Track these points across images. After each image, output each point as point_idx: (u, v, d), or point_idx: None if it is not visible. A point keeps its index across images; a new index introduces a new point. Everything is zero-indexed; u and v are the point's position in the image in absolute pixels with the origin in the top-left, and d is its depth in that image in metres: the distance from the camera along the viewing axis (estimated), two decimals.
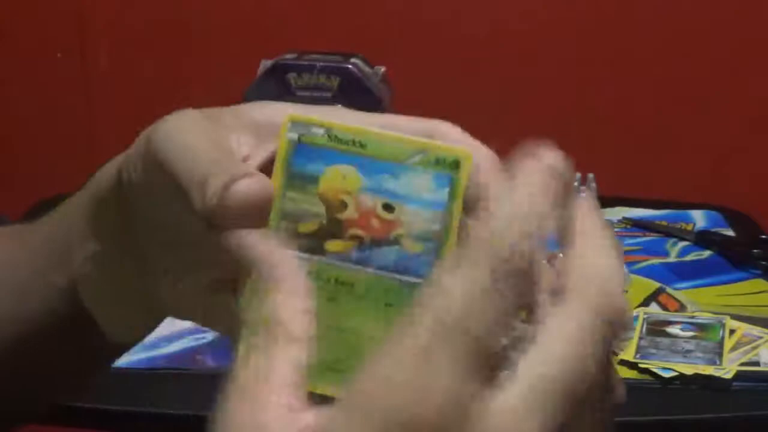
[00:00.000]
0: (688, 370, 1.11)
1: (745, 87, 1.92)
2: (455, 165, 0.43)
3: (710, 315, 1.23)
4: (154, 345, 1.13)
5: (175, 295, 0.51)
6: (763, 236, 1.44)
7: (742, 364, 1.12)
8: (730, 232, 1.50)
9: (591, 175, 1.32)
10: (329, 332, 0.43)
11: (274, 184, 0.44)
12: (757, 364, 1.13)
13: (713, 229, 1.50)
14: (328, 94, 1.43)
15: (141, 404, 1.10)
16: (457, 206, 0.43)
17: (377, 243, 0.44)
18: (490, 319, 0.34)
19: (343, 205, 0.44)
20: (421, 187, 0.43)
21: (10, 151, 1.95)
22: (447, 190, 0.43)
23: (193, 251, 0.49)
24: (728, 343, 1.16)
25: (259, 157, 0.47)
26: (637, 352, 1.14)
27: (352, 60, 1.44)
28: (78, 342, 0.56)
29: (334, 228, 0.44)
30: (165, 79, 1.93)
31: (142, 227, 0.51)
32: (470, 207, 0.43)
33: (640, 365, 1.12)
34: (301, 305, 0.38)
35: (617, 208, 1.56)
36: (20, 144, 1.96)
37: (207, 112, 0.49)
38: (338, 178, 0.44)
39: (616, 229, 1.51)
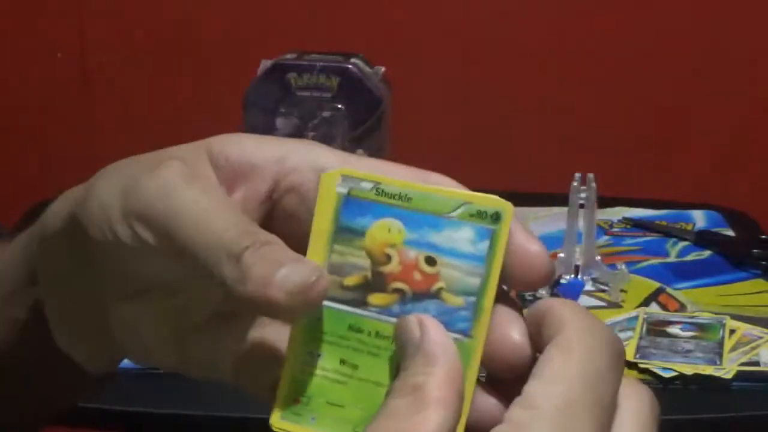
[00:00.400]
0: (688, 370, 1.11)
1: (745, 87, 1.92)
2: (496, 217, 0.43)
3: (710, 315, 1.23)
4: None
5: (137, 339, 0.50)
6: (763, 236, 1.44)
7: (742, 364, 1.12)
8: (730, 232, 1.50)
9: (591, 175, 1.32)
10: (368, 386, 0.44)
11: (317, 236, 0.45)
12: (757, 364, 1.13)
13: (713, 229, 1.50)
14: (328, 94, 1.43)
15: (141, 404, 1.10)
16: (498, 259, 0.43)
17: (418, 297, 0.44)
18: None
19: (387, 258, 0.44)
20: (462, 239, 0.44)
21: (10, 151, 1.95)
22: (488, 242, 0.43)
23: (166, 299, 0.48)
24: (728, 343, 1.16)
25: (249, 205, 0.47)
26: (637, 352, 1.14)
27: (352, 60, 1.44)
28: (51, 370, 0.55)
29: (377, 281, 0.44)
30: (165, 79, 1.93)
31: (101, 274, 0.49)
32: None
33: (640, 365, 1.12)
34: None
35: (617, 208, 1.56)
36: (20, 144, 1.96)
37: (175, 158, 0.47)
38: (384, 231, 0.44)
39: (615, 229, 1.51)
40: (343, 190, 0.45)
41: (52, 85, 1.94)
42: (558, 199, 1.38)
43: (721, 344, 1.15)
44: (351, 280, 0.45)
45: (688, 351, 1.14)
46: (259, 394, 0.48)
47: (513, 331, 0.44)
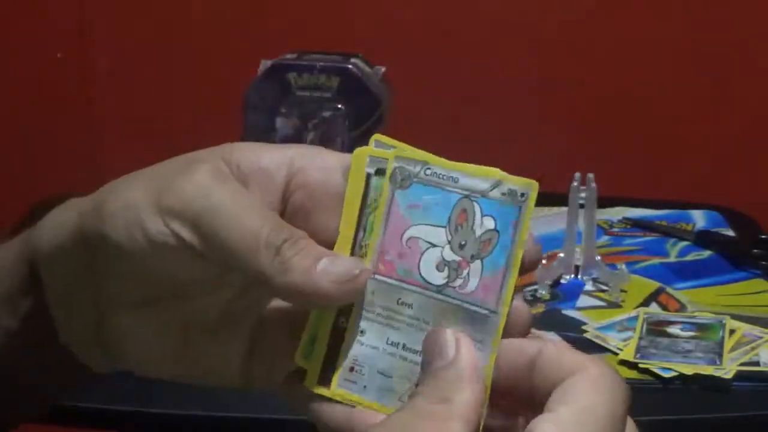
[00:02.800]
0: (688, 370, 1.11)
1: (745, 87, 1.92)
2: (524, 196, 0.47)
3: (710, 315, 1.23)
4: None
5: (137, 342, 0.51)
6: (763, 236, 1.44)
7: (742, 364, 1.12)
8: (730, 232, 1.50)
9: (591, 175, 1.32)
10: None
11: (349, 211, 0.48)
12: (757, 364, 1.13)
13: (713, 229, 1.50)
14: (328, 94, 1.43)
15: (141, 404, 1.10)
16: (523, 236, 0.47)
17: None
18: None
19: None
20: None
21: (11, 151, 1.95)
22: (515, 220, 0.47)
23: (173, 307, 0.50)
24: (728, 343, 1.16)
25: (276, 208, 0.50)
26: (637, 352, 1.14)
27: (352, 60, 1.44)
28: (41, 373, 0.55)
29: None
30: (165, 79, 1.93)
31: (108, 283, 0.50)
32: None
33: (640, 365, 1.12)
34: (480, 407, 0.45)
35: (617, 208, 1.56)
36: (20, 144, 1.96)
37: (204, 161, 0.49)
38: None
39: (615, 229, 1.51)
40: (371, 171, 0.48)
41: (52, 85, 1.94)
42: (558, 199, 1.38)
43: (721, 344, 1.15)
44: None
45: (688, 351, 1.14)
46: (270, 388, 0.50)
47: (517, 301, 0.48)
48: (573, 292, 1.30)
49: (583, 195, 1.32)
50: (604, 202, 1.42)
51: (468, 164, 0.48)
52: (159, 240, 0.48)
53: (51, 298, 0.52)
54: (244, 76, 1.46)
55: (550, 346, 0.47)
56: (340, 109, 1.43)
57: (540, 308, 1.25)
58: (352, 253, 0.48)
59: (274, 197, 0.49)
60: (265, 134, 1.43)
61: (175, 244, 0.48)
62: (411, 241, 0.48)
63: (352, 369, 0.48)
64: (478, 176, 0.48)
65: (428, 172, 0.48)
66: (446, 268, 0.48)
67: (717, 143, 1.94)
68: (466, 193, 0.48)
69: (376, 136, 0.49)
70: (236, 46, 1.86)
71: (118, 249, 0.49)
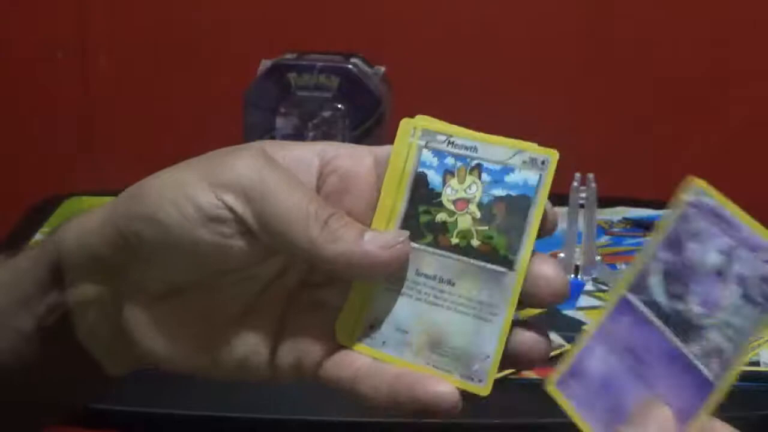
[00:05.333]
0: None
1: (745, 87, 1.92)
2: (544, 163, 0.50)
3: None
4: None
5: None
6: None
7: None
8: None
9: (591, 175, 1.32)
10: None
11: (390, 182, 0.51)
12: (757, 364, 1.13)
13: None
14: (328, 94, 1.43)
15: (141, 404, 1.10)
16: (542, 202, 0.50)
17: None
18: None
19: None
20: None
21: (10, 151, 1.95)
22: (535, 186, 0.50)
23: (201, 297, 0.52)
24: None
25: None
26: None
27: (352, 60, 1.44)
28: (49, 381, 0.56)
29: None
30: (165, 79, 1.93)
31: (139, 276, 0.52)
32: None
33: None
34: None
35: (617, 208, 1.56)
36: (20, 144, 1.96)
37: (250, 148, 0.52)
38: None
39: (615, 229, 1.51)
40: (420, 142, 0.51)
41: (52, 85, 1.94)
42: (558, 199, 1.38)
43: None
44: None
45: None
46: (300, 378, 0.52)
47: (547, 267, 0.50)
48: (573, 292, 1.30)
49: (583, 195, 1.32)
50: (604, 202, 1.42)
51: (491, 135, 0.51)
52: (211, 213, 0.49)
53: (72, 299, 0.53)
54: (244, 76, 1.46)
55: (719, 428, 0.47)
56: (340, 109, 1.43)
57: (540, 308, 1.25)
58: (390, 221, 0.51)
59: (310, 183, 0.52)
60: (265, 134, 1.43)
61: (228, 217, 0.49)
62: None
63: (372, 327, 0.51)
64: (499, 145, 0.51)
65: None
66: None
67: (717, 143, 1.94)
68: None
69: (420, 117, 0.52)
70: (236, 46, 1.86)
71: (164, 229, 0.50)
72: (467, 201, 0.50)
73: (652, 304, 0.48)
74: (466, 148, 0.51)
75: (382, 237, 0.50)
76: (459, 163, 0.51)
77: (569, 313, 1.25)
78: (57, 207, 1.53)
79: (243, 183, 0.49)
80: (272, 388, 0.55)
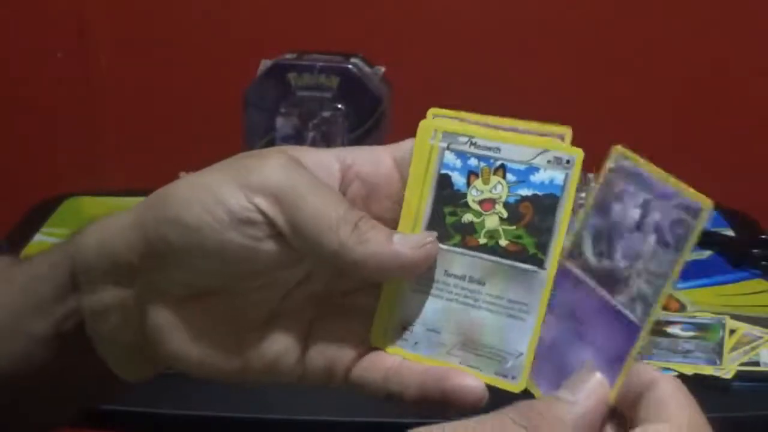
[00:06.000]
0: (688, 370, 1.11)
1: (745, 87, 1.92)
2: (569, 162, 0.52)
3: (710, 315, 1.23)
4: None
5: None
6: (763, 236, 1.44)
7: (742, 364, 1.12)
8: (730, 232, 1.50)
9: (591, 175, 1.32)
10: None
11: (414, 184, 0.51)
12: (757, 364, 1.13)
13: (713, 229, 1.50)
14: (328, 94, 1.43)
15: (141, 404, 1.10)
16: (570, 200, 0.51)
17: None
18: None
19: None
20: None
21: (10, 151, 1.95)
22: (561, 185, 0.51)
23: (227, 301, 0.52)
24: (728, 343, 1.16)
25: None
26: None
27: (352, 60, 1.44)
28: (63, 384, 0.56)
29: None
30: (165, 79, 1.93)
31: (167, 279, 0.52)
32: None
33: None
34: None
35: None
36: (20, 144, 1.96)
37: (277, 152, 0.52)
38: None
39: None
40: (442, 144, 0.51)
41: (52, 85, 1.94)
42: None
43: (721, 344, 1.15)
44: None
45: (688, 351, 1.14)
46: (330, 381, 0.52)
47: None
48: None
49: (583, 195, 1.32)
50: None
51: (512, 134, 0.51)
52: (242, 215, 0.49)
53: (90, 305, 0.53)
54: (244, 76, 1.46)
55: (660, 378, 0.49)
56: (340, 109, 1.43)
57: None
58: (416, 223, 0.51)
59: (334, 187, 0.52)
60: (265, 134, 1.43)
61: (259, 219, 0.49)
62: None
63: (404, 328, 0.52)
64: (522, 145, 0.51)
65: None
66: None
67: (717, 143, 1.94)
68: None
69: (434, 110, 0.52)
70: (236, 46, 1.86)
71: (193, 233, 0.50)
72: (493, 201, 0.51)
73: (586, 267, 0.50)
74: (489, 148, 0.51)
75: (411, 238, 0.50)
76: (482, 164, 0.51)
77: None
78: (57, 207, 1.53)
79: (273, 186, 0.49)
80: (275, 389, 0.55)
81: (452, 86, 1.88)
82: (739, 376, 1.11)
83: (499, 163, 0.51)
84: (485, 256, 0.51)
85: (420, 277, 0.51)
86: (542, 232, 0.50)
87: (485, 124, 0.51)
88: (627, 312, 0.48)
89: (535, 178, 0.51)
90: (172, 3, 1.92)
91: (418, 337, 0.52)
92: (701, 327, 1.19)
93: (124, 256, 0.52)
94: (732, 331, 1.18)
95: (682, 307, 1.28)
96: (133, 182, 1.69)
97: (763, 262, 1.38)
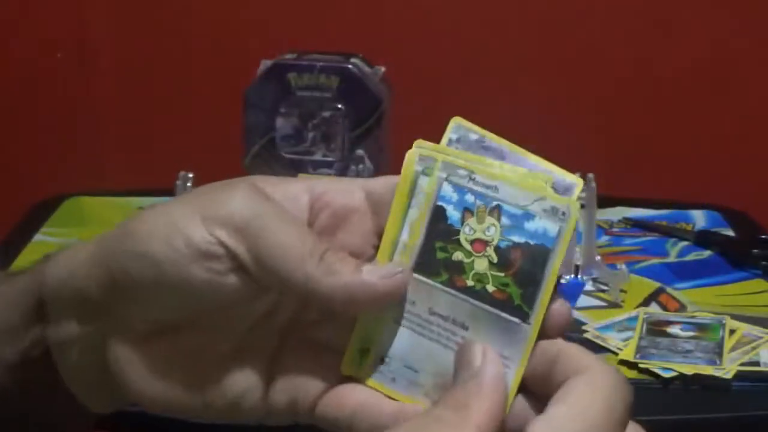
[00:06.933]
0: (688, 370, 1.11)
1: (744, 87, 1.92)
2: (564, 215, 0.49)
3: (710, 315, 1.23)
4: None
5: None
6: (763, 236, 1.44)
7: (742, 364, 1.12)
8: (730, 232, 1.50)
9: (591, 175, 1.32)
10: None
11: (396, 213, 0.50)
12: (757, 364, 1.13)
13: (713, 229, 1.50)
14: (328, 94, 1.43)
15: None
16: (561, 253, 0.49)
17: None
18: None
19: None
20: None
21: (11, 151, 1.95)
22: (555, 237, 0.49)
23: (189, 337, 0.51)
24: (728, 343, 1.16)
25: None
26: (637, 352, 1.14)
27: (352, 60, 1.44)
28: (33, 412, 0.55)
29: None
30: (165, 79, 1.93)
31: (128, 315, 0.51)
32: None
33: (640, 365, 1.12)
34: (497, 418, 0.46)
35: (617, 208, 1.56)
36: (20, 144, 1.96)
37: (241, 182, 0.51)
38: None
39: (615, 229, 1.51)
40: (441, 174, 0.50)
41: (52, 85, 1.94)
42: None
43: (721, 344, 1.15)
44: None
45: (688, 351, 1.14)
46: (295, 417, 0.51)
47: (561, 315, 0.49)
48: (573, 292, 1.30)
49: (583, 195, 1.32)
50: (604, 202, 1.42)
51: (515, 173, 0.50)
52: (203, 248, 0.48)
53: (54, 336, 0.52)
54: (244, 76, 1.46)
55: (569, 347, 0.47)
56: (340, 109, 1.43)
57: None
58: (393, 253, 0.50)
59: (302, 219, 0.51)
60: (265, 134, 1.43)
61: (220, 252, 0.48)
62: None
63: (382, 361, 0.50)
64: (520, 189, 0.49)
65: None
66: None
67: (717, 143, 1.94)
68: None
69: (419, 142, 0.51)
70: (236, 46, 1.86)
71: (155, 266, 0.49)
72: (485, 243, 0.49)
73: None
74: (487, 186, 0.50)
75: (380, 269, 0.49)
76: (479, 202, 0.50)
77: None
78: (57, 207, 1.53)
79: (236, 218, 0.49)
80: None
81: (452, 86, 1.88)
82: (739, 376, 1.11)
83: (495, 203, 0.49)
84: (471, 300, 0.49)
85: (404, 310, 0.50)
86: (529, 284, 0.49)
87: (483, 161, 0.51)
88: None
89: (529, 225, 0.49)
90: (172, 3, 1.92)
91: (395, 373, 0.50)
92: (701, 327, 1.19)
93: (86, 290, 0.51)
94: (732, 331, 1.18)
95: (682, 307, 1.28)
96: (133, 182, 1.69)
97: (763, 262, 1.38)
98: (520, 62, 1.91)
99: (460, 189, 0.50)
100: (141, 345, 0.51)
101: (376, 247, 0.51)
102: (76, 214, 1.52)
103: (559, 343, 0.48)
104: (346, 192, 0.51)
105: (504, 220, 0.49)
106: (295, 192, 0.51)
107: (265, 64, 1.44)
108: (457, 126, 0.52)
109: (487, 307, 0.49)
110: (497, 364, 0.47)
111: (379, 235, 0.51)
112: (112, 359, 0.51)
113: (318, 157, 1.43)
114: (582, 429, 0.44)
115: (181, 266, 0.49)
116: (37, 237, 1.43)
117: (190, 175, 1.32)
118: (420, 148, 0.51)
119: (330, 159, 1.43)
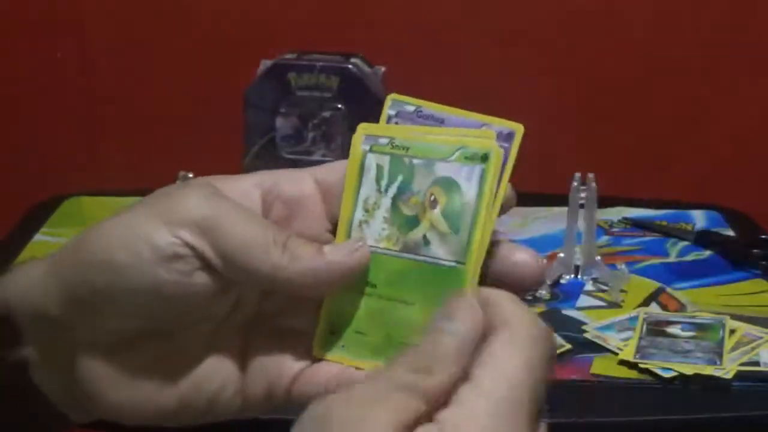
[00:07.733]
0: (688, 370, 1.11)
1: (745, 87, 1.92)
2: (485, 158, 0.50)
3: (710, 315, 1.23)
4: None
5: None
6: (763, 236, 1.44)
7: (742, 364, 1.12)
8: (730, 232, 1.50)
9: (591, 175, 1.32)
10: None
11: (349, 189, 0.52)
12: (757, 364, 1.13)
13: (713, 229, 1.50)
14: (328, 94, 1.43)
15: None
16: (487, 195, 0.50)
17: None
18: None
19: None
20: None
21: (11, 151, 1.95)
22: (478, 181, 0.50)
23: (159, 343, 0.51)
24: (728, 343, 1.16)
25: None
26: (637, 352, 1.14)
27: (352, 60, 1.44)
28: (14, 424, 0.54)
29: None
30: (165, 79, 1.93)
31: (92, 329, 0.50)
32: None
33: (640, 365, 1.12)
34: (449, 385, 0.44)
35: (617, 208, 1.56)
36: (20, 144, 1.96)
37: (195, 184, 0.51)
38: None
39: (615, 229, 1.51)
40: (366, 147, 0.52)
41: (52, 85, 1.94)
42: (558, 199, 1.38)
43: (721, 344, 1.15)
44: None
45: (688, 351, 1.14)
46: (272, 404, 0.52)
47: (518, 254, 0.50)
48: (573, 292, 1.30)
49: (583, 195, 1.32)
50: (604, 202, 1.42)
51: (432, 129, 0.52)
52: (168, 251, 0.48)
53: (22, 351, 0.52)
54: (244, 76, 1.46)
55: (498, 295, 0.47)
56: (340, 109, 1.43)
57: (540, 308, 1.25)
58: (350, 231, 0.52)
59: (256, 212, 0.52)
60: (265, 134, 1.43)
61: (186, 253, 0.49)
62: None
63: (332, 332, 0.52)
64: (440, 144, 0.51)
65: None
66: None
67: (717, 143, 1.94)
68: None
69: (363, 125, 0.53)
70: (236, 46, 1.86)
71: (119, 274, 0.49)
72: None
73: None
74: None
75: (341, 247, 0.50)
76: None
77: (569, 313, 1.25)
78: (57, 207, 1.53)
79: (197, 217, 0.49)
80: None
81: (452, 86, 1.88)
82: (739, 376, 1.11)
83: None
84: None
85: (366, 284, 0.51)
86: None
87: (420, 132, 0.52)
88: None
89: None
90: (172, 3, 1.92)
91: (344, 340, 0.52)
92: (701, 327, 1.19)
93: (45, 308, 0.50)
94: (732, 331, 1.18)
95: (682, 307, 1.28)
96: (133, 182, 1.69)
97: (763, 262, 1.38)
98: (520, 62, 1.91)
99: (382, 155, 0.52)
100: (110, 357, 0.50)
101: (331, 231, 0.52)
102: (75, 214, 1.51)
103: (492, 291, 0.47)
104: (296, 181, 0.52)
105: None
106: (246, 187, 0.52)
107: (265, 64, 1.45)
108: (393, 102, 0.54)
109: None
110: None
111: (332, 220, 0.52)
112: (82, 375, 0.51)
113: (318, 157, 1.43)
114: (507, 396, 0.43)
115: (147, 271, 0.48)
116: (37, 237, 1.43)
117: (190, 175, 1.32)
118: (364, 129, 0.52)
119: (330, 159, 1.43)
